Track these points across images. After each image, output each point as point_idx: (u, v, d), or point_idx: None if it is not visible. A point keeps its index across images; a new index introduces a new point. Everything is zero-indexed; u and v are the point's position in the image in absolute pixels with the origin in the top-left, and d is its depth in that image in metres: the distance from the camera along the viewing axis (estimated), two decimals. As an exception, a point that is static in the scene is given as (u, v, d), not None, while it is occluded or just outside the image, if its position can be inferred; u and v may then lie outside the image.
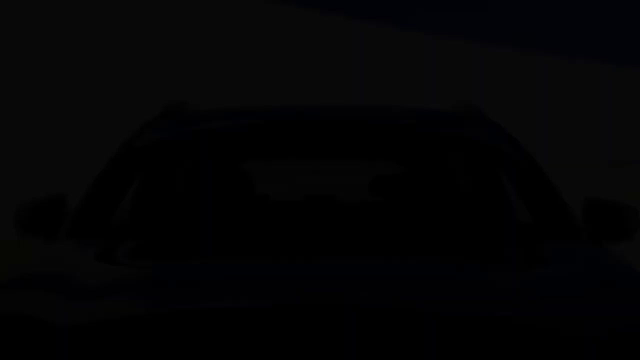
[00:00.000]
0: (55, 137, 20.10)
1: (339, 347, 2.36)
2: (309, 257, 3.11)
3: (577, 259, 3.11)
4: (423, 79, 31.71)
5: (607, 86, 35.22)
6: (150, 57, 28.78)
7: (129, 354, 2.33)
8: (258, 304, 2.52)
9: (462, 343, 2.39)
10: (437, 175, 4.73)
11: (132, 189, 3.95)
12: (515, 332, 2.44)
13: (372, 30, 38.07)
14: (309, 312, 2.46)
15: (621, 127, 29.70)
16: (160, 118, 4.10)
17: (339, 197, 4.47)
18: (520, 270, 3.06)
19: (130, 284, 2.74)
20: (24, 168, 18.12)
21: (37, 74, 24.57)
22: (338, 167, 20.60)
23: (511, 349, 2.39)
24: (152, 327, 2.40)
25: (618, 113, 31.63)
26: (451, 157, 4.66)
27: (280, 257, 3.16)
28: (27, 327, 2.40)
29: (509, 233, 3.66)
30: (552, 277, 2.82)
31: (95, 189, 3.62)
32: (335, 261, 3.04)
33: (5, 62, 24.97)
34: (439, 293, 2.67)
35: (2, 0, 29.25)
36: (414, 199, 4.13)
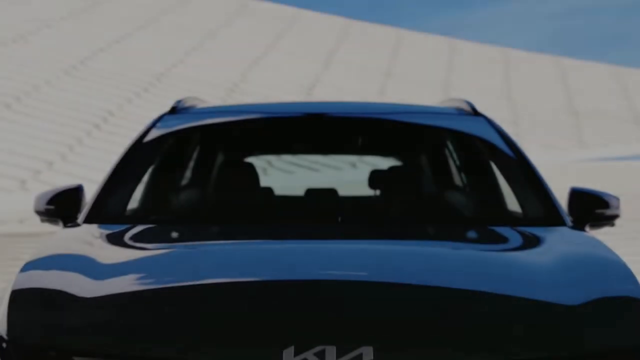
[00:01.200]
0: None
1: (338, 317, 2.62)
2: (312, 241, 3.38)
3: (560, 242, 3.34)
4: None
5: None
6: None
7: (137, 320, 2.64)
8: (253, 281, 2.85)
9: (452, 315, 2.66)
10: (431, 167, 4.91)
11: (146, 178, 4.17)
12: (500, 302, 2.74)
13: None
14: (306, 287, 2.76)
15: None
16: (171, 113, 4.30)
17: (339, 191, 4.57)
18: (507, 251, 3.35)
19: (138, 263, 3.07)
20: None
21: None
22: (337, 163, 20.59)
23: (496, 317, 2.66)
24: (154, 299, 2.73)
25: None
26: (445, 150, 4.82)
27: (280, 241, 3.42)
28: (57, 298, 2.71)
29: (498, 218, 3.90)
30: (536, 258, 3.10)
31: (111, 178, 3.85)
32: (333, 244, 3.33)
33: None
34: (430, 270, 2.96)
35: None
36: (410, 190, 4.29)
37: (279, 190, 4.73)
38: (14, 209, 15.11)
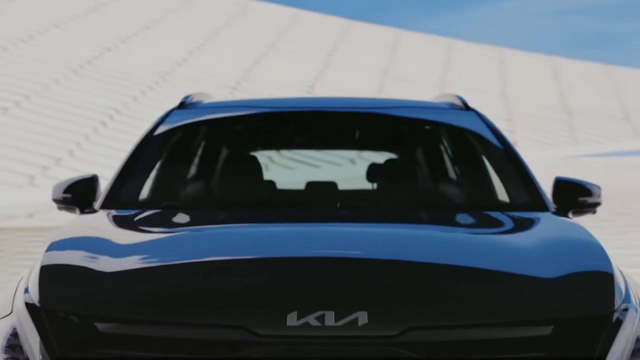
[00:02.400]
0: None
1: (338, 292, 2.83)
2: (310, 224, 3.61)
3: (542, 226, 3.60)
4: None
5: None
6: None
7: (149, 291, 2.89)
8: (258, 257, 3.10)
9: (439, 284, 2.91)
10: (425, 159, 5.09)
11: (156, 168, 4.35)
12: (483, 274, 2.99)
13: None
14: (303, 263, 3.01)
15: None
16: (180, 108, 4.48)
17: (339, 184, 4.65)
18: (492, 232, 3.60)
19: (150, 243, 3.35)
20: None
21: None
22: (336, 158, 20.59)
23: (480, 286, 2.91)
24: (165, 273, 2.99)
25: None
26: (438, 142, 5.00)
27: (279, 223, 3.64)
28: (78, 272, 3.00)
29: (487, 205, 4.11)
30: (518, 238, 3.41)
31: (124, 168, 4.09)
32: (331, 227, 3.55)
33: None
34: (422, 249, 3.21)
35: None
36: (406, 181, 4.45)
37: (280, 185, 4.77)
38: (23, 204, 15.12)
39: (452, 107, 4.56)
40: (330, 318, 2.71)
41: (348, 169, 18.80)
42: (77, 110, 21.54)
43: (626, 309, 2.88)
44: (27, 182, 17.04)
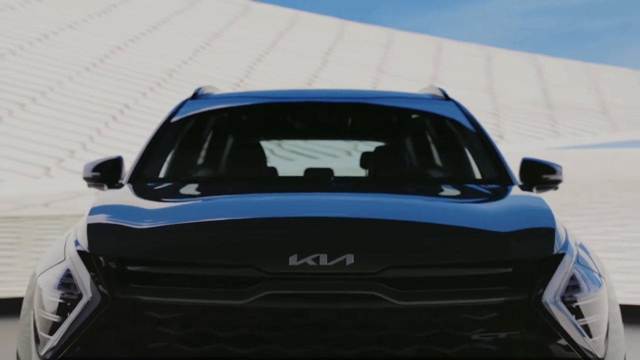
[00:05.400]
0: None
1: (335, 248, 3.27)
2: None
3: (504, 195, 4.08)
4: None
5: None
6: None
7: (171, 243, 3.38)
8: (267, 216, 3.57)
9: (412, 234, 3.39)
10: (412, 144, 5.50)
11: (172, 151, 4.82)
12: (450, 229, 3.49)
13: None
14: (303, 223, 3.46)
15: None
16: (193, 99, 4.91)
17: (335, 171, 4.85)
18: (462, 198, 4.07)
19: (172, 205, 3.85)
20: None
21: None
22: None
23: (448, 235, 3.42)
24: (181, 233, 3.47)
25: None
26: (421, 128, 5.40)
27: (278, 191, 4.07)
28: (115, 229, 3.54)
29: (462, 181, 4.52)
30: (482, 203, 3.93)
31: (146, 150, 4.58)
32: (325, 195, 3.97)
33: None
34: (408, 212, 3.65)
35: None
36: (395, 163, 4.91)
37: (282, 174, 4.90)
38: (40, 194, 15.12)
39: (434, 97, 4.98)
40: (324, 259, 3.22)
41: (344, 160, 18.86)
42: (89, 105, 21.51)
43: (563, 254, 3.47)
44: (43, 173, 17.03)
